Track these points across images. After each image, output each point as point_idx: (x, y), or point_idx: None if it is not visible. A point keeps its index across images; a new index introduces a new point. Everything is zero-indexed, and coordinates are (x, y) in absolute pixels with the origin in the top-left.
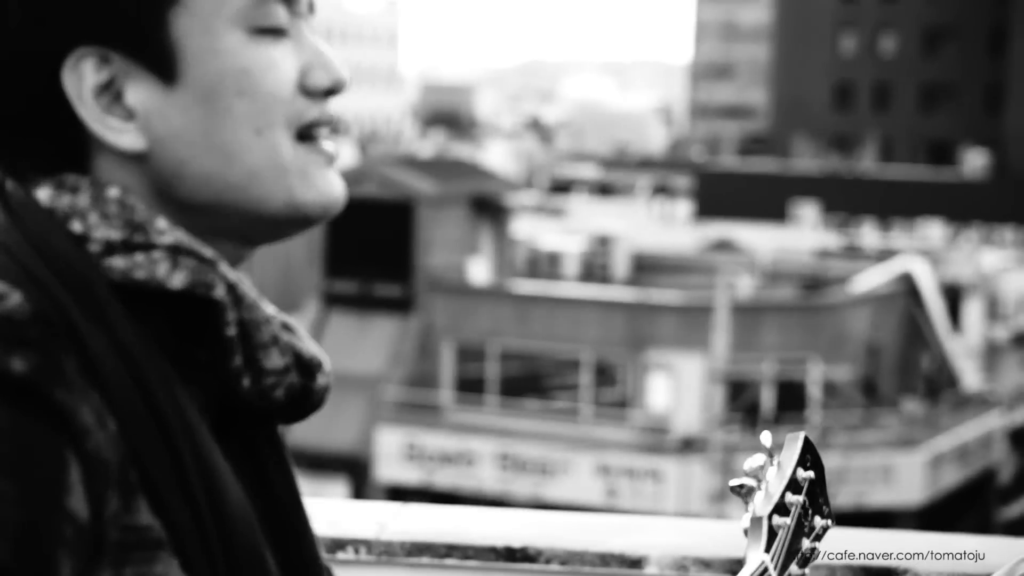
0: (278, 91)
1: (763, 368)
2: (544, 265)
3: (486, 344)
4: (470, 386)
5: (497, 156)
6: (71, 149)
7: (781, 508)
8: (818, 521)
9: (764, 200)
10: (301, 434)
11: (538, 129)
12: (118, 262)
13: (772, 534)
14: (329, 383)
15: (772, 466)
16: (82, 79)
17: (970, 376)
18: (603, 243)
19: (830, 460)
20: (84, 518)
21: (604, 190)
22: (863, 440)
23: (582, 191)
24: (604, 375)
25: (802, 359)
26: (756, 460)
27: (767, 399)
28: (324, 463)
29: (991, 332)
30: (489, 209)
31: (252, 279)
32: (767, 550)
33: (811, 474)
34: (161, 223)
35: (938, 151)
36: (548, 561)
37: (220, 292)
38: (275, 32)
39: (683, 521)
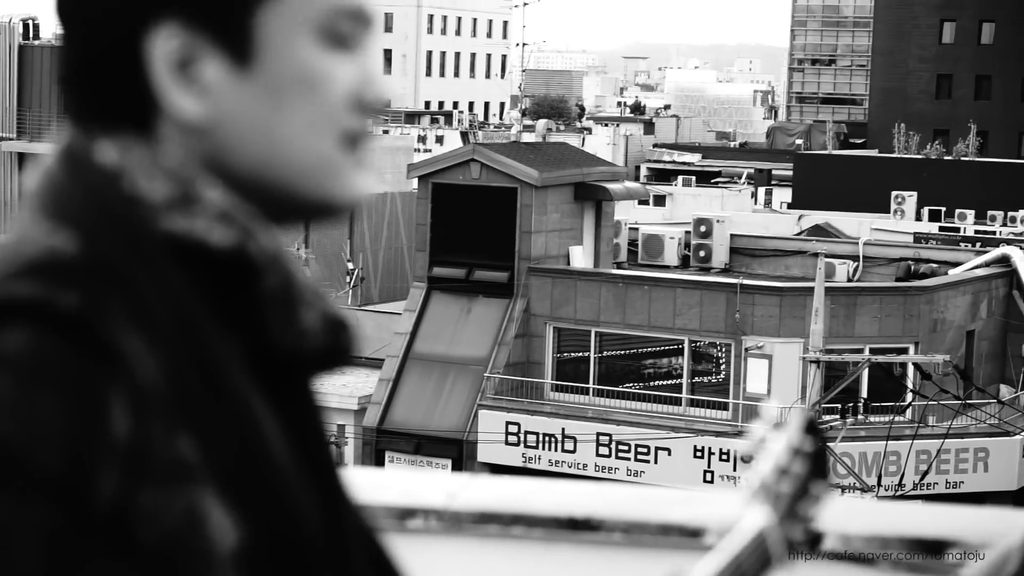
0: (335, 100)
1: (861, 354)
2: (645, 251)
3: (588, 329)
4: (571, 370)
5: (600, 142)
6: (138, 110)
7: (783, 474)
8: (817, 489)
9: (863, 189)
10: (407, 416)
11: (641, 115)
12: (168, 219)
13: (773, 500)
14: (353, 341)
15: (778, 439)
16: (166, 46)
17: None
18: (703, 229)
19: (927, 445)
20: (126, 442)
21: (705, 177)
22: (959, 426)
23: (683, 178)
24: (703, 360)
25: (899, 345)
26: (760, 431)
27: (863, 385)
28: (430, 445)
29: None
30: (592, 195)
31: (361, 262)
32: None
33: (811, 446)
34: (212, 188)
35: None
36: (610, 531)
37: (261, 255)
38: (342, 44)
39: (743, 493)
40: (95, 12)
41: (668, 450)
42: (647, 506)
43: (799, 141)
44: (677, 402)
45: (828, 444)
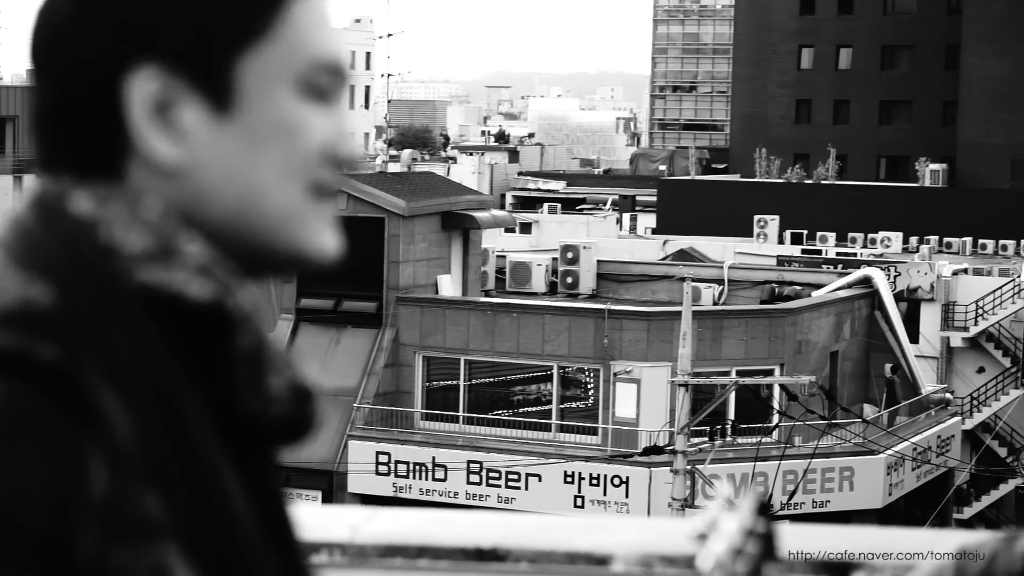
0: (310, 151)
1: (728, 377)
2: (512, 278)
3: (457, 357)
4: (441, 398)
5: (466, 171)
6: (112, 155)
7: (737, 554)
8: (769, 570)
9: (727, 214)
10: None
11: (505, 144)
12: (145, 270)
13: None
14: (317, 413)
15: (730, 519)
16: (145, 89)
17: (928, 381)
18: (570, 256)
19: (794, 465)
20: (102, 499)
21: (570, 204)
22: (825, 446)
23: (549, 205)
24: (572, 385)
25: (765, 367)
26: (713, 510)
27: (730, 407)
28: (300, 477)
29: (947, 338)
30: (459, 224)
31: None
32: None
33: (763, 527)
34: (189, 239)
35: (894, 164)
36: (517, 560)
37: (237, 311)
38: (320, 97)
39: (646, 520)
40: (73, 55)
41: (539, 476)
42: (552, 534)
43: (662, 167)
44: (547, 428)
45: (778, 525)
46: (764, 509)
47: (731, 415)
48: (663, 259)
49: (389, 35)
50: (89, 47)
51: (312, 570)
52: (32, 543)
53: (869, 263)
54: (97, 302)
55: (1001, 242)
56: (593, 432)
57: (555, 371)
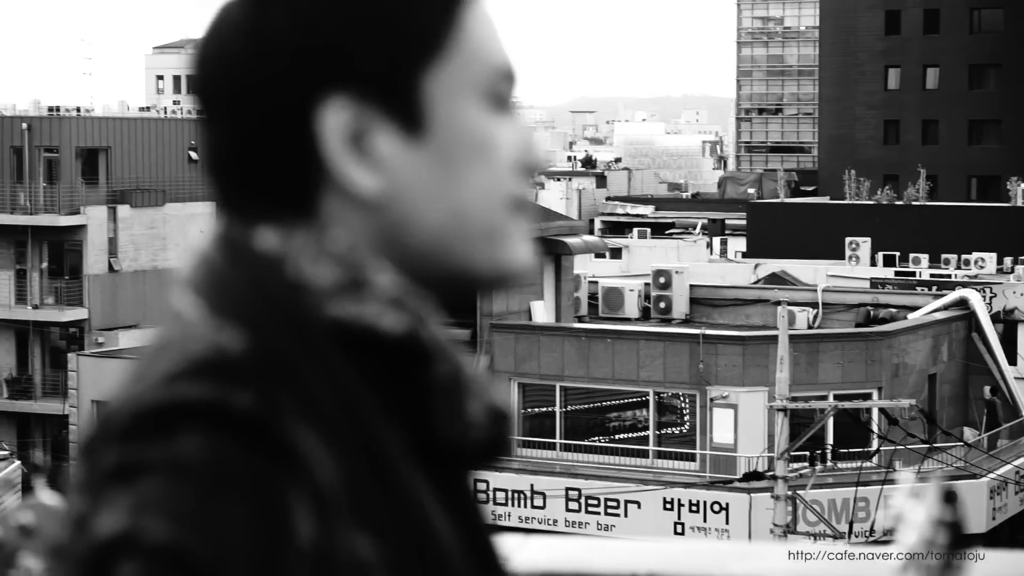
0: (504, 164)
1: (826, 401)
2: (605, 304)
3: (552, 384)
4: (537, 425)
5: (554, 197)
6: (301, 190)
7: (929, 545)
8: (957, 561)
9: (817, 236)
10: None
11: (592, 169)
12: (336, 305)
13: (924, 572)
14: (512, 433)
15: (918, 510)
16: (337, 119)
17: None
18: (663, 281)
19: (895, 490)
20: (311, 546)
21: (659, 228)
22: (926, 470)
23: (638, 230)
24: (668, 411)
25: (863, 391)
26: (900, 502)
27: (829, 432)
28: None
29: None
30: (551, 250)
31: None
32: None
33: (951, 516)
34: (382, 270)
35: (985, 184)
36: None
37: (432, 342)
38: (503, 106)
39: (796, 544)
40: (254, 90)
41: (638, 503)
42: (706, 560)
43: (751, 190)
44: (644, 454)
45: (965, 516)
46: (950, 498)
47: (830, 440)
48: (755, 283)
49: None
50: (272, 81)
51: None
52: None
53: (964, 284)
54: (289, 341)
55: None
56: (691, 458)
57: (651, 397)
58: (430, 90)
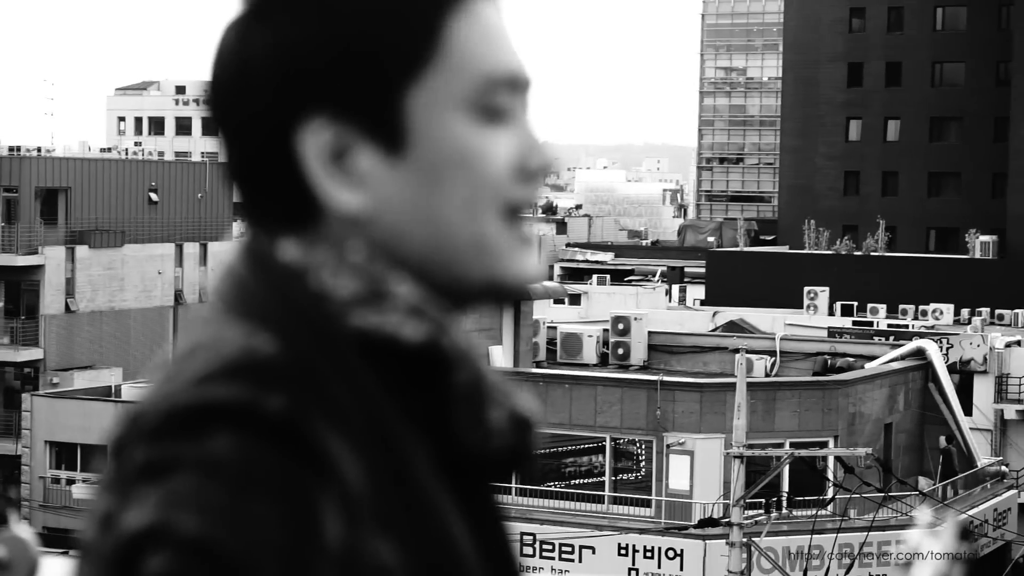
0: (495, 175)
1: (782, 449)
2: (563, 349)
3: None
4: None
5: None
6: (304, 206)
7: None
8: None
9: (776, 285)
10: None
11: (553, 215)
12: (357, 314)
13: None
14: (537, 441)
15: (934, 544)
16: (317, 140)
17: (983, 453)
18: (621, 327)
19: (850, 538)
20: (338, 548)
21: (619, 275)
22: (881, 519)
23: (598, 276)
24: (624, 457)
25: (819, 439)
26: (916, 536)
27: (784, 479)
28: None
29: (1001, 410)
30: None
31: None
32: None
33: (967, 552)
34: (401, 280)
35: (944, 236)
36: None
37: (453, 350)
38: (497, 116)
39: None
40: (241, 113)
41: (592, 548)
42: None
43: (711, 238)
44: (600, 500)
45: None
46: (966, 534)
47: (786, 487)
48: (713, 330)
49: None
50: (256, 106)
51: None
52: None
53: (921, 335)
54: (315, 350)
55: None
56: (647, 504)
57: (608, 442)
58: (411, 107)
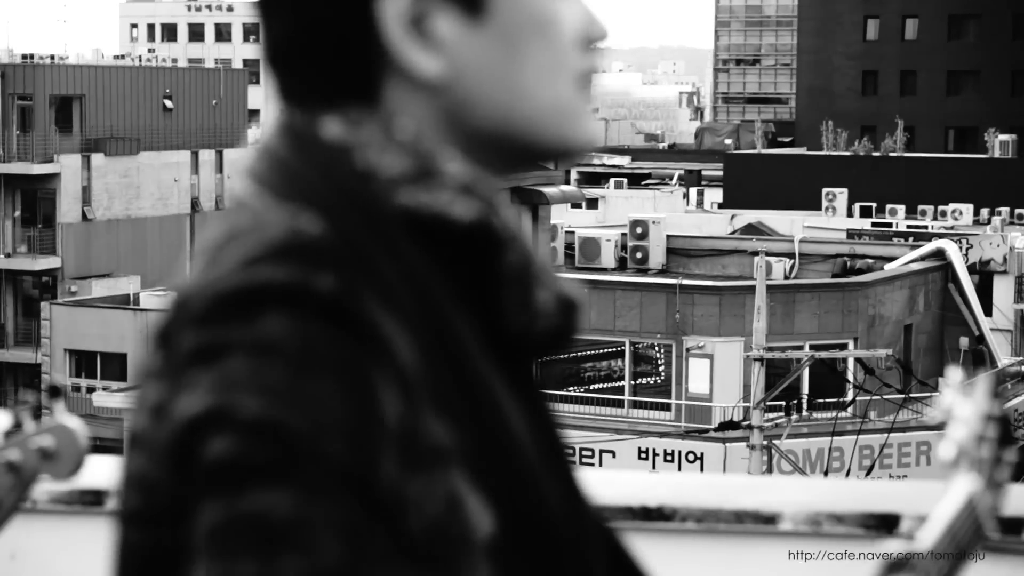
0: (567, 42)
1: (802, 351)
2: (582, 254)
3: None
4: None
5: None
6: (364, 77)
7: (979, 440)
8: (1007, 455)
9: (794, 187)
10: None
11: None
12: (406, 193)
13: (977, 466)
14: (580, 321)
15: (967, 405)
16: (397, 7)
17: (1003, 354)
18: (639, 231)
19: (870, 440)
20: (397, 427)
21: (636, 179)
22: (902, 420)
23: (615, 180)
24: (643, 361)
25: (839, 341)
26: (948, 397)
27: (804, 382)
28: None
29: (1022, 310)
30: (528, 199)
31: None
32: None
33: (999, 411)
34: (451, 158)
35: (963, 136)
36: (684, 519)
37: (503, 230)
38: None
39: (810, 480)
40: None
41: (612, 452)
42: (717, 493)
43: (728, 141)
44: (619, 404)
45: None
46: (998, 392)
47: (805, 390)
48: (732, 233)
49: None
50: None
51: (585, 492)
52: (339, 472)
53: (940, 236)
54: (362, 229)
55: None
56: (666, 408)
57: (627, 347)
58: None
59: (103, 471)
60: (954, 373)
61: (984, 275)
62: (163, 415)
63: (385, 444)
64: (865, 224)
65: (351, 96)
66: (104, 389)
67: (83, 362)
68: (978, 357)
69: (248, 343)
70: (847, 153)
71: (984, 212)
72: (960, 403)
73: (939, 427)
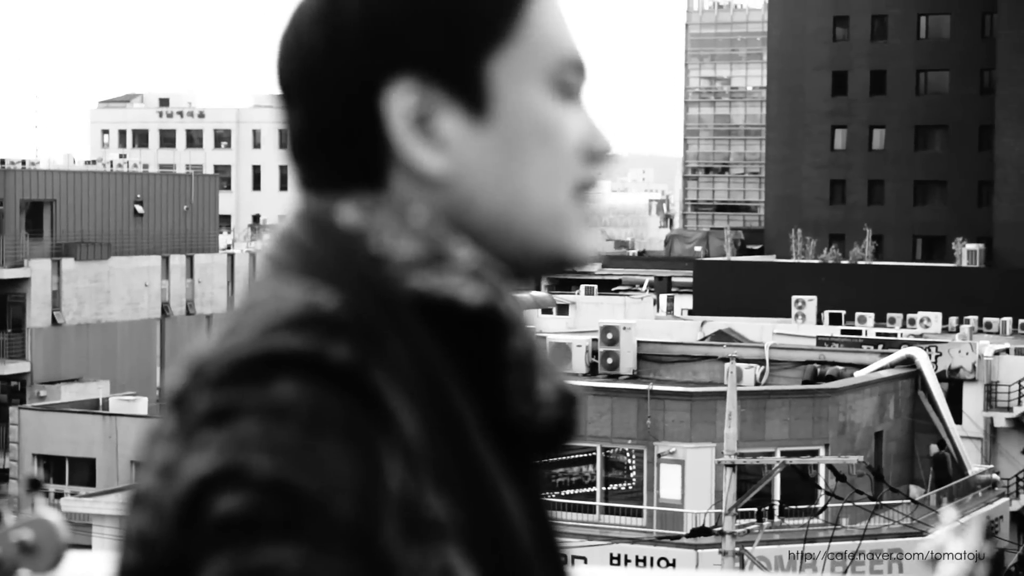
0: (569, 151)
1: (773, 457)
2: (553, 359)
3: None
4: None
5: None
6: (372, 169)
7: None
8: None
9: (764, 294)
10: None
11: None
12: (417, 277)
13: None
14: (579, 418)
15: (959, 544)
16: (403, 102)
17: (973, 461)
18: (610, 336)
19: (842, 546)
20: (399, 496)
21: (606, 285)
22: (873, 527)
23: (585, 286)
24: (615, 467)
25: (810, 447)
26: (941, 536)
27: (776, 488)
28: None
29: (991, 418)
30: None
31: None
32: None
33: (991, 552)
34: (461, 244)
35: (930, 244)
36: None
37: (510, 315)
38: (569, 95)
39: None
40: (329, 77)
41: (584, 558)
42: None
43: (698, 248)
44: (591, 510)
45: (1003, 551)
46: (990, 533)
47: (777, 496)
48: (702, 340)
49: None
50: (345, 68)
51: None
52: (346, 531)
53: (910, 343)
54: (374, 309)
55: None
56: (638, 514)
57: (598, 452)
58: (495, 74)
59: (82, 566)
60: (948, 513)
61: (953, 383)
62: (171, 474)
63: (388, 510)
64: (835, 331)
65: (362, 185)
66: (72, 494)
67: (52, 466)
68: (940, 462)
69: (261, 406)
70: (816, 261)
71: (952, 320)
72: (952, 542)
73: (933, 562)
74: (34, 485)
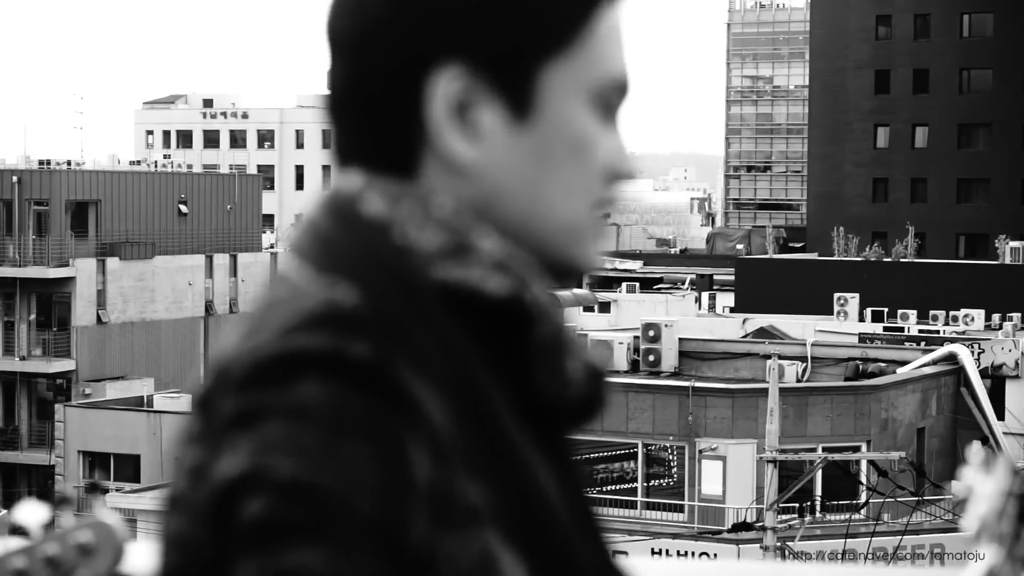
0: (597, 168)
1: (815, 453)
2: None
3: None
4: None
5: None
6: (405, 150)
7: (1001, 515)
8: None
9: (806, 292)
10: None
11: None
12: (441, 268)
13: (998, 540)
14: (609, 391)
15: (987, 482)
16: (448, 87)
17: (1017, 458)
18: (652, 334)
19: (883, 542)
20: (428, 486)
21: (648, 283)
22: (915, 523)
23: (627, 284)
24: (656, 463)
25: (851, 443)
26: (970, 474)
27: (817, 484)
28: None
29: None
30: None
31: None
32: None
33: (1019, 488)
34: (486, 235)
35: (973, 242)
36: None
37: (535, 304)
38: (609, 114)
39: (828, 566)
40: (383, 48)
41: (625, 554)
42: None
43: (740, 246)
44: (632, 505)
45: None
46: (1017, 471)
47: (819, 491)
48: (744, 337)
49: None
50: (400, 42)
51: (614, 556)
52: (369, 530)
53: (952, 340)
54: (397, 301)
55: None
56: (679, 509)
57: (640, 448)
58: (545, 81)
59: (141, 565)
60: (976, 451)
61: (996, 379)
62: (202, 477)
63: (416, 503)
64: (877, 328)
65: (393, 165)
66: (117, 490)
67: (96, 463)
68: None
69: (284, 408)
70: (858, 259)
71: (995, 317)
72: (981, 480)
73: (961, 503)
74: (62, 501)
